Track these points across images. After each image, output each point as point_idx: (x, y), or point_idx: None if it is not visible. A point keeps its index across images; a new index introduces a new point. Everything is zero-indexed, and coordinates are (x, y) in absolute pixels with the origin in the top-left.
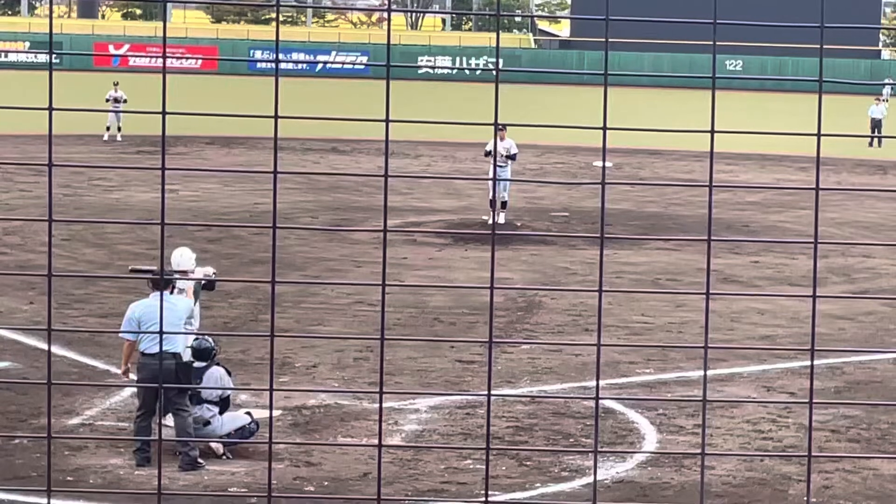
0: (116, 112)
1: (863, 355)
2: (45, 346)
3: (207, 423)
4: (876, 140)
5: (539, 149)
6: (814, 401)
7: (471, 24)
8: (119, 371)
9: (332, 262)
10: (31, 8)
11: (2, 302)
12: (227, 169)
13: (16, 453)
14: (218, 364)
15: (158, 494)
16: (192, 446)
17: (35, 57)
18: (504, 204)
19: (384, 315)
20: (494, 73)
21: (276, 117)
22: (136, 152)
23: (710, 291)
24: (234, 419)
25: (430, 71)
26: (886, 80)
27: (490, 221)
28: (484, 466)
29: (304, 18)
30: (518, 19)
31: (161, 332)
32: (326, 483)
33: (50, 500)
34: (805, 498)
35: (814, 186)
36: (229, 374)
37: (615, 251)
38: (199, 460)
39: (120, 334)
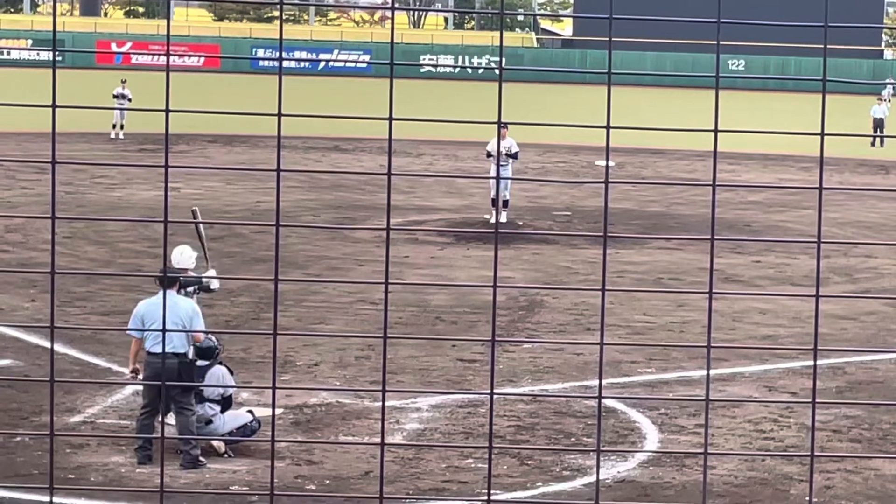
0: (121, 109)
1: (864, 355)
2: (46, 344)
3: (210, 421)
4: (878, 140)
5: (541, 148)
6: (816, 401)
7: (473, 22)
8: (126, 370)
9: (334, 260)
10: (34, 5)
11: (3, 299)
12: (230, 167)
13: (17, 451)
14: (220, 363)
15: (161, 492)
16: (194, 445)
17: (37, 54)
18: (506, 203)
19: (387, 314)
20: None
21: (279, 115)
22: (138, 150)
23: (714, 291)
24: (235, 418)
25: (433, 70)
26: (888, 80)
27: (492, 220)
28: (485, 465)
29: (306, 17)
30: (521, 18)
31: (164, 331)
32: (328, 481)
33: (52, 497)
34: (806, 498)
35: (817, 186)
36: (231, 372)
37: (617, 250)
38: (201, 459)
39: (127, 332)
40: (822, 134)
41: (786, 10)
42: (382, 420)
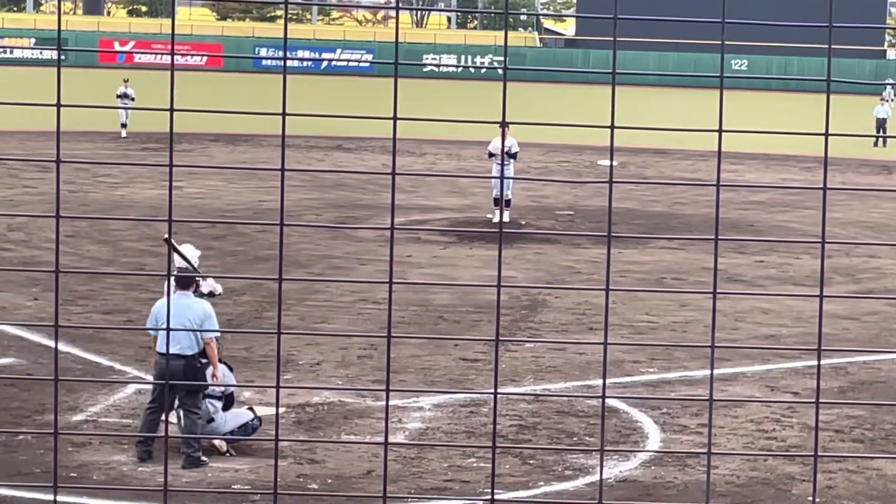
0: (125, 108)
1: (866, 355)
2: (48, 343)
3: (211, 419)
4: (880, 140)
5: (544, 147)
6: (818, 401)
7: (476, 22)
8: (129, 368)
9: (337, 259)
10: (37, 4)
11: (6, 298)
12: (235, 166)
13: (19, 449)
14: (221, 361)
15: (165, 491)
16: (197, 447)
17: (40, 53)
18: (508, 202)
19: (391, 313)
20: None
21: (283, 115)
22: (140, 149)
23: (718, 291)
24: (237, 416)
25: (435, 69)
26: (888, 81)
27: (494, 220)
28: (487, 464)
29: (309, 16)
30: (523, 18)
31: (168, 330)
32: (330, 480)
33: (56, 496)
34: (809, 498)
35: (821, 186)
36: (231, 370)
37: (619, 250)
38: (203, 458)
39: (147, 330)
40: (827, 134)
41: (787, 11)
42: (386, 419)
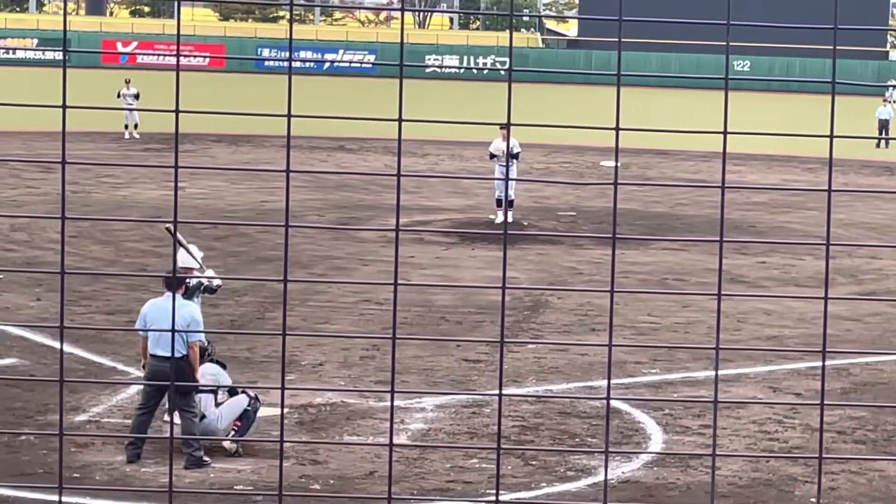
0: (130, 109)
1: (869, 356)
2: (51, 343)
3: (203, 416)
4: (883, 141)
5: (546, 148)
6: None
7: (478, 23)
8: (131, 369)
9: (339, 260)
10: (40, 5)
11: (9, 298)
12: (239, 167)
13: (22, 450)
14: (212, 361)
15: (170, 492)
16: (197, 447)
17: (42, 54)
18: (511, 203)
19: (395, 314)
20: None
21: (288, 116)
22: (143, 149)
23: (722, 292)
24: (231, 406)
25: (438, 70)
26: (890, 82)
27: (497, 220)
28: (489, 465)
29: (311, 17)
30: (525, 19)
31: (172, 332)
32: (332, 481)
33: (61, 497)
34: (812, 499)
35: (825, 188)
36: (224, 367)
37: (622, 251)
38: (205, 459)
39: (137, 331)
40: (832, 136)
41: (789, 12)
42: (391, 420)
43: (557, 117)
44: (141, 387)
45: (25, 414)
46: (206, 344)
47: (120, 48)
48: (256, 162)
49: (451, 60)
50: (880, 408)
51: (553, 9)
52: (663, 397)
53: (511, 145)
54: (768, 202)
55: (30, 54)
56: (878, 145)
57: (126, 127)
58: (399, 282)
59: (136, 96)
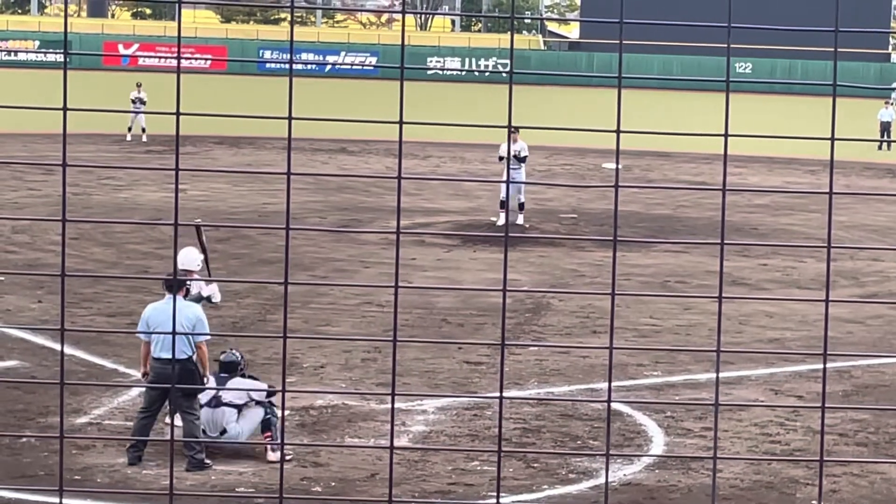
0: (136, 112)
1: (870, 359)
2: (52, 345)
3: (224, 430)
4: (885, 143)
5: (547, 150)
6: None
7: (480, 25)
8: (134, 371)
9: (340, 262)
10: (41, 7)
11: (10, 300)
12: (240, 170)
13: (23, 452)
14: (244, 376)
15: (171, 495)
16: (199, 449)
17: (44, 56)
18: (521, 206)
19: (396, 316)
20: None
21: (289, 118)
22: (145, 152)
23: (723, 295)
24: (250, 422)
25: (439, 72)
26: (895, 84)
27: (499, 223)
28: (490, 468)
29: (313, 19)
30: (527, 21)
31: (173, 335)
32: (334, 484)
33: (62, 499)
34: (813, 502)
35: (827, 190)
36: (256, 380)
37: (623, 253)
38: (206, 461)
39: (136, 335)
40: (833, 139)
41: (791, 14)
42: (392, 423)
43: (559, 119)
44: (143, 389)
45: (26, 416)
46: (238, 357)
47: (121, 50)
48: (257, 164)
49: (453, 62)
50: (882, 410)
51: (554, 11)
52: (665, 400)
53: (519, 148)
54: (770, 204)
55: (31, 56)
56: (879, 147)
57: (129, 129)
58: (400, 284)
59: (144, 101)
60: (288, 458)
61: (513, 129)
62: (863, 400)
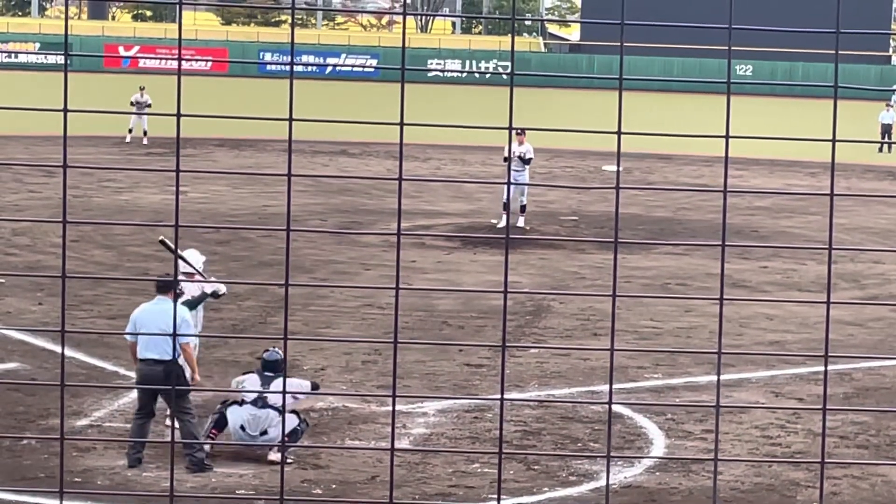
0: (138, 114)
1: (871, 361)
2: (53, 348)
3: (265, 432)
4: (885, 146)
5: (548, 153)
6: (825, 407)
7: (480, 27)
8: (133, 373)
9: (341, 264)
10: (42, 9)
11: (11, 303)
12: (241, 171)
13: (24, 454)
14: (289, 375)
15: (171, 497)
16: (198, 448)
17: (45, 58)
18: (523, 208)
19: (397, 318)
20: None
21: (290, 120)
22: (145, 154)
23: (724, 297)
24: (287, 425)
25: (440, 74)
26: (894, 87)
27: (500, 225)
28: (491, 470)
29: (313, 21)
30: (528, 23)
31: (174, 336)
32: (334, 486)
33: (62, 501)
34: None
35: (828, 192)
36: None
37: (624, 256)
38: (206, 462)
39: (125, 336)
40: (834, 140)
41: (792, 16)
42: (393, 425)
43: (559, 121)
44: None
45: (27, 418)
46: (280, 356)
47: (122, 52)
48: (258, 166)
49: (453, 64)
50: (883, 412)
51: (555, 13)
52: (665, 402)
53: (525, 150)
54: (771, 207)
55: (32, 58)
56: (880, 150)
57: (130, 130)
58: (401, 286)
59: (148, 103)
60: (288, 460)
61: (519, 132)
62: (863, 402)
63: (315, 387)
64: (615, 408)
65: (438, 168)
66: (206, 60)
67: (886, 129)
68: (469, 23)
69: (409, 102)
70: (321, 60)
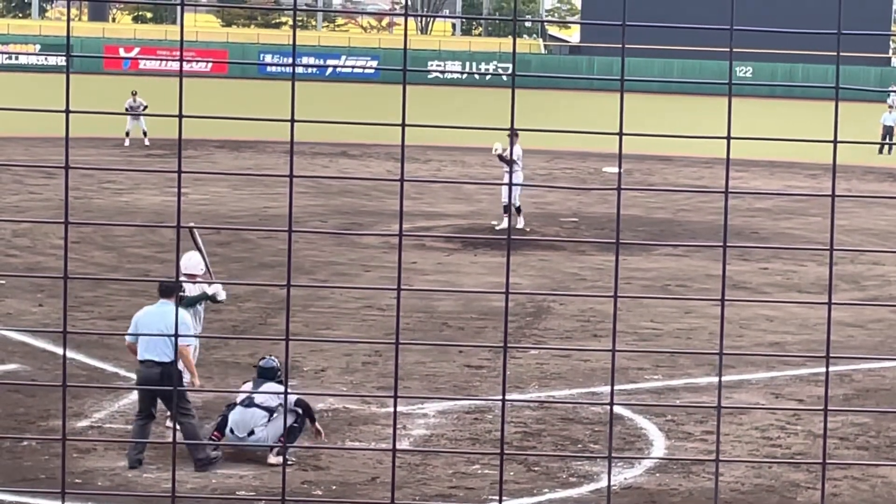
0: (136, 115)
1: (871, 363)
2: (53, 349)
3: (252, 432)
4: (886, 147)
5: (548, 154)
6: (826, 408)
7: (480, 28)
8: (133, 374)
9: (342, 266)
10: (42, 11)
11: (11, 304)
12: (243, 172)
13: (24, 455)
14: (280, 382)
15: (172, 498)
16: (202, 448)
17: (45, 59)
18: (518, 209)
19: (399, 319)
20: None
21: (292, 121)
22: (145, 155)
23: (725, 298)
24: (276, 428)
25: (440, 76)
26: (892, 87)
27: (499, 227)
28: (491, 471)
29: (314, 23)
30: (528, 24)
31: (176, 337)
32: (334, 487)
33: (64, 502)
34: None
35: (829, 194)
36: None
37: (624, 257)
38: (213, 455)
39: (125, 337)
40: (835, 141)
41: (793, 17)
42: (394, 426)
43: (559, 123)
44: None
45: (28, 420)
46: (277, 365)
47: (122, 54)
48: (258, 168)
49: (454, 66)
50: (883, 414)
51: (555, 14)
52: (666, 403)
53: (516, 152)
54: (771, 208)
55: (32, 59)
56: (880, 151)
57: (127, 134)
58: (403, 287)
59: (144, 105)
60: (289, 462)
61: (514, 133)
62: (864, 403)
63: (298, 403)
64: (615, 409)
65: (439, 169)
66: (207, 62)
67: (888, 131)
68: (469, 24)
69: (409, 104)
70: (322, 62)
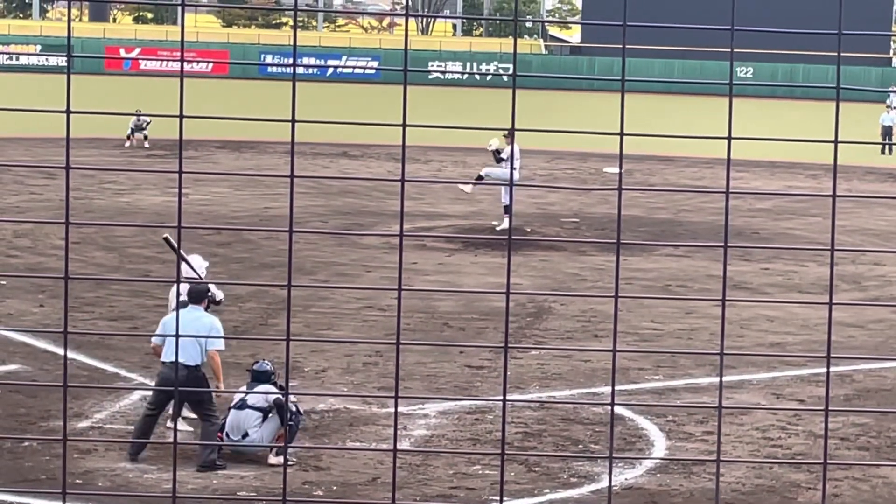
0: (138, 115)
1: (872, 363)
2: (54, 349)
3: (246, 434)
4: (886, 148)
5: (548, 154)
6: (827, 409)
7: (481, 29)
8: (134, 375)
9: (342, 266)
10: (43, 11)
11: (12, 304)
12: (243, 173)
13: (25, 456)
14: (274, 384)
15: (173, 498)
16: (212, 450)
17: (46, 60)
18: (506, 208)
19: (400, 320)
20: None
21: (293, 121)
22: (146, 156)
23: (726, 298)
24: (271, 429)
25: (441, 76)
26: (892, 88)
27: (499, 227)
28: (492, 472)
29: (314, 23)
30: (529, 25)
31: (181, 337)
32: (335, 487)
33: (65, 503)
34: None
35: (830, 194)
36: (280, 387)
37: (625, 258)
38: (218, 462)
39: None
40: (836, 142)
41: (793, 17)
42: (395, 426)
43: (561, 123)
44: (145, 394)
45: (28, 420)
46: (271, 369)
47: (123, 54)
48: (259, 168)
49: (454, 66)
50: (884, 414)
51: (556, 15)
52: (666, 403)
53: (504, 150)
54: (772, 209)
55: (33, 60)
56: (882, 151)
57: (128, 136)
58: (404, 287)
59: (148, 122)
60: (290, 462)
61: (506, 133)
62: (864, 404)
63: (280, 406)
64: (616, 409)
65: (439, 170)
66: (208, 62)
67: (887, 131)
68: (470, 25)
69: (410, 104)
70: (322, 62)
